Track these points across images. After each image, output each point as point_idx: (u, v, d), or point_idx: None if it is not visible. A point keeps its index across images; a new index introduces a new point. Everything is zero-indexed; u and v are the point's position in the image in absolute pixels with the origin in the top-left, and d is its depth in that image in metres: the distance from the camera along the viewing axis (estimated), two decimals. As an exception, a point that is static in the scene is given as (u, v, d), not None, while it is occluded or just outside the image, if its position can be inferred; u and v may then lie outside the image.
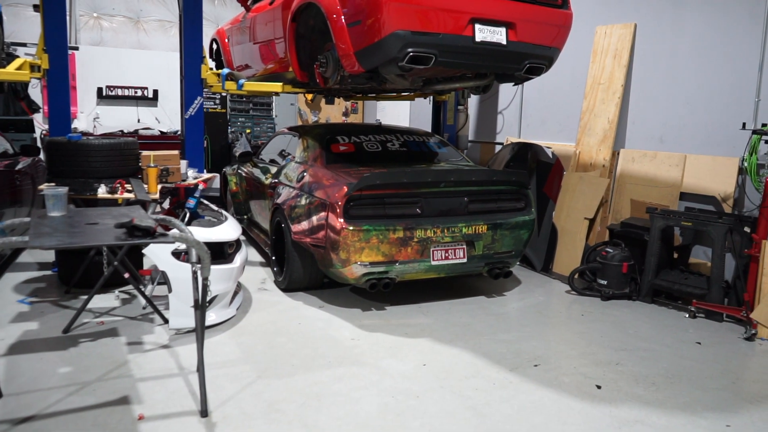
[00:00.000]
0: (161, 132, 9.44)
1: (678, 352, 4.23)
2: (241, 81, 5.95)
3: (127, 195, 4.58)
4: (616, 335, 4.54)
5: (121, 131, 9.35)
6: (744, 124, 4.86)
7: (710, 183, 5.38)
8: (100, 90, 9.85)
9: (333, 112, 11.44)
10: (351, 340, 4.31)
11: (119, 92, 9.56)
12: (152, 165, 4.78)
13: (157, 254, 4.14)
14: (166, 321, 4.47)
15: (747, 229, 4.88)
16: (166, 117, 10.00)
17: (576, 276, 5.70)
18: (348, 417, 3.21)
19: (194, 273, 3.38)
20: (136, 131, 9.21)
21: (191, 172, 5.80)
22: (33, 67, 5.36)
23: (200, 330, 3.27)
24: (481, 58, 4.64)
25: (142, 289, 4.64)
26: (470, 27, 4.44)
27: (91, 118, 9.68)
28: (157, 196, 4.70)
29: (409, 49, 4.28)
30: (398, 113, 10.60)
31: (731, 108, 5.27)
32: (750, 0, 5.11)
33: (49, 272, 5.75)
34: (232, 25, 7.15)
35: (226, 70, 6.02)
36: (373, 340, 4.32)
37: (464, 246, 4.94)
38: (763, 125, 4.77)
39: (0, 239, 2.66)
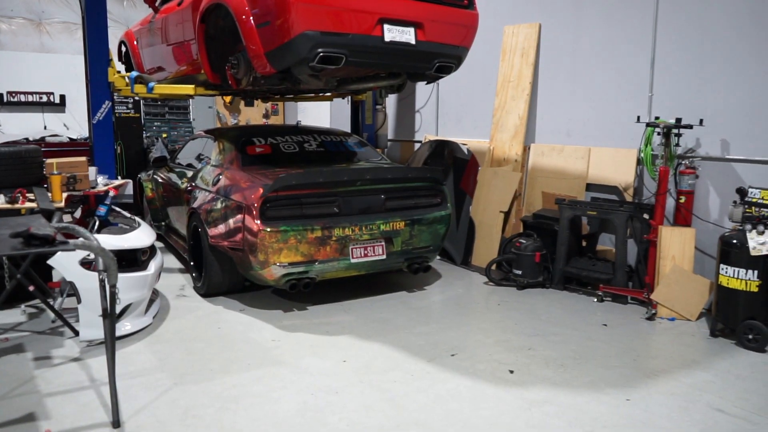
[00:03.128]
0: (70, 139, 9.02)
1: (586, 335, 4.46)
2: (151, 84, 5.81)
3: (29, 204, 4.38)
4: (530, 322, 4.74)
5: (26, 139, 8.86)
6: (639, 117, 5.18)
7: (612, 174, 5.70)
8: (0, 96, 9.31)
9: (253, 115, 11.31)
10: (272, 341, 4.30)
11: (22, 98, 9.07)
12: (56, 172, 4.58)
13: (63, 264, 3.98)
14: (76, 333, 4.30)
15: (646, 216, 5.20)
16: (76, 123, 9.57)
17: (494, 267, 5.89)
18: (266, 417, 3.20)
19: (101, 281, 3.28)
20: (42, 138, 8.75)
21: (101, 179, 5.59)
22: None
23: (110, 340, 3.18)
24: (392, 57, 4.73)
25: (50, 302, 4.44)
26: (379, 27, 4.52)
27: (-7, 125, 9.14)
28: (63, 204, 4.51)
29: (319, 50, 4.31)
30: (319, 114, 10.60)
31: (628, 102, 5.60)
32: (642, 1, 5.45)
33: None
34: (140, 26, 6.94)
35: (134, 73, 5.86)
36: (293, 340, 4.32)
37: (383, 243, 5.02)
38: (656, 118, 5.10)
39: None
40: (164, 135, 9.78)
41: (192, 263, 5.60)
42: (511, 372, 3.79)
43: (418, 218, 5.18)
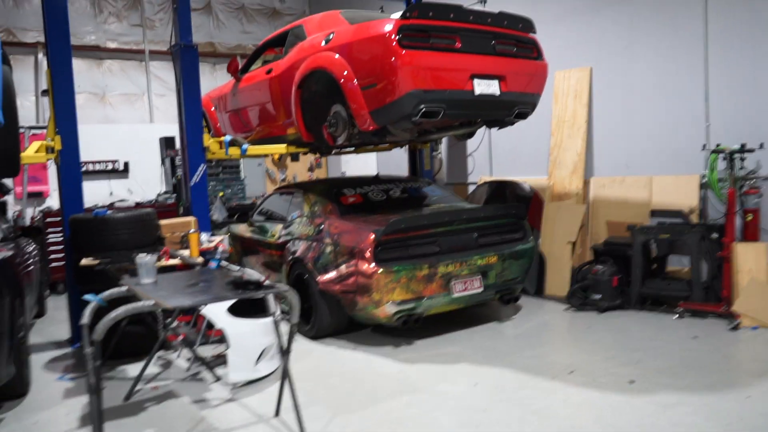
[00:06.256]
0: (136, 203, 9.52)
1: (683, 346, 4.84)
2: (245, 146, 6.31)
3: (172, 262, 4.81)
4: (625, 340, 5.12)
5: (95, 205, 9.35)
6: (704, 145, 5.69)
7: (676, 199, 6.16)
8: (69, 166, 9.83)
9: (298, 169, 11.85)
10: (399, 372, 4.67)
11: (90, 167, 9.57)
12: (192, 231, 5.05)
13: (215, 312, 4.40)
14: (218, 378, 4.68)
15: (715, 235, 5.65)
16: (138, 188, 10.09)
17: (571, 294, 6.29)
18: (435, 434, 3.57)
19: (276, 322, 3.71)
20: (111, 204, 9.24)
21: (204, 236, 6.04)
22: (47, 149, 5.56)
23: (288, 375, 3.58)
24: (480, 108, 5.28)
25: (195, 351, 4.83)
26: (470, 82, 5.06)
27: (62, 195, 9.61)
28: (201, 260, 4.94)
29: (422, 106, 4.85)
30: (363, 163, 11.13)
31: (685, 132, 6.12)
32: (691, 38, 6.02)
33: (68, 349, 5.78)
34: (219, 93, 7.52)
35: (228, 137, 6.37)
36: (418, 370, 4.69)
37: (480, 276, 5.44)
38: (717, 145, 5.59)
39: (132, 305, 2.92)
40: (221, 194, 10.28)
41: (294, 309, 5.99)
42: (632, 382, 4.17)
43: (508, 252, 5.62)
